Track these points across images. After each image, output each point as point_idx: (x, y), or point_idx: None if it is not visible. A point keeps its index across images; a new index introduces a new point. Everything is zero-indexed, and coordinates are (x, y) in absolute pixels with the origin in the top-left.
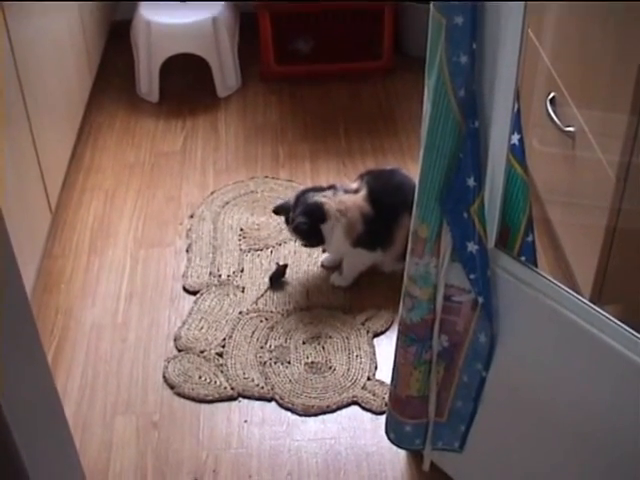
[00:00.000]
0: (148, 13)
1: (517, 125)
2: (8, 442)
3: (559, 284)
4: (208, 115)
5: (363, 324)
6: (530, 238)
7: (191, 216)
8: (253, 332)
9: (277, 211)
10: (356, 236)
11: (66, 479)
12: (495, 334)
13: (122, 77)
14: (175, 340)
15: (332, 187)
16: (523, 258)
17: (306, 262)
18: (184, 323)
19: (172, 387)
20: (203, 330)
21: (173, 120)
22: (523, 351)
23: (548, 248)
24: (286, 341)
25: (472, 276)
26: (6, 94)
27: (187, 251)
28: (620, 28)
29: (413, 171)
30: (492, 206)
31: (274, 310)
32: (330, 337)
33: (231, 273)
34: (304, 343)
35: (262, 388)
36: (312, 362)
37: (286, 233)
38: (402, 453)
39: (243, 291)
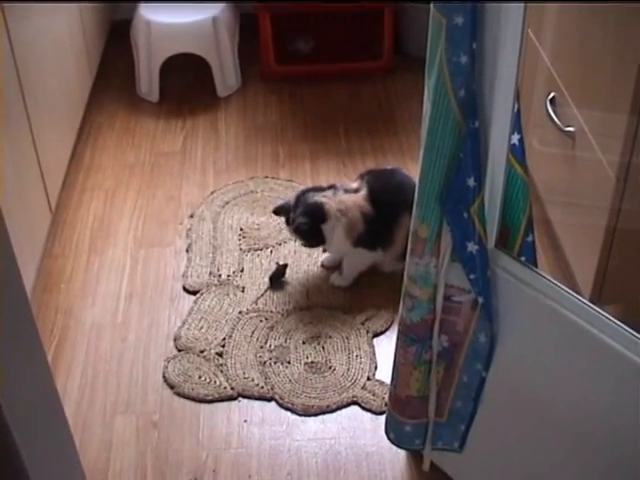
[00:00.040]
0: (148, 13)
1: (517, 125)
2: (8, 442)
3: (559, 284)
4: (208, 115)
5: (363, 324)
6: (530, 238)
7: (191, 216)
8: (253, 332)
9: (277, 212)
10: (357, 235)
11: (66, 479)
12: (495, 334)
13: (122, 77)
14: (175, 340)
15: (332, 187)
16: (523, 258)
17: (306, 262)
18: (184, 323)
19: (172, 387)
20: (203, 330)
21: (173, 120)
22: (523, 351)
23: (548, 248)
24: (286, 341)
25: (472, 276)
26: (6, 94)
27: (187, 251)
28: (620, 28)
29: (413, 171)
30: (492, 206)
31: (274, 310)
32: (330, 337)
33: (231, 273)
34: (304, 343)
35: (262, 388)
36: (312, 362)
37: (286, 233)
38: (402, 453)
39: (243, 291)
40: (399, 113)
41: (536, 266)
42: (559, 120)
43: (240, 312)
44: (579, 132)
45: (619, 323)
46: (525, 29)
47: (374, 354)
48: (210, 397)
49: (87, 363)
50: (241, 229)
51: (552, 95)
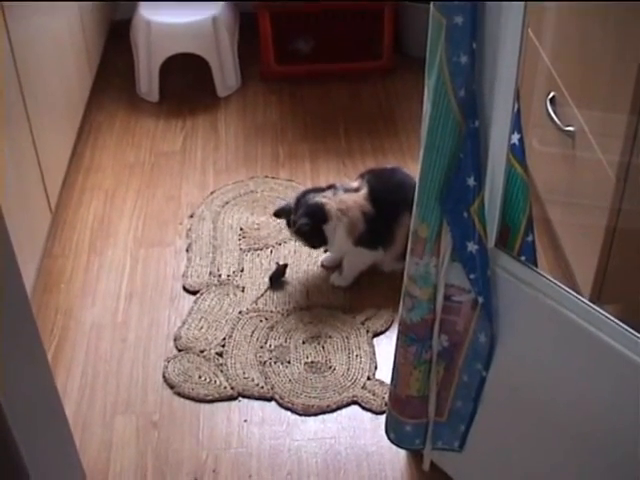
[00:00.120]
0: (148, 13)
1: (517, 125)
2: (8, 441)
3: (559, 284)
4: (208, 115)
5: (363, 324)
6: (530, 238)
7: (191, 216)
8: (253, 332)
9: (278, 214)
10: (358, 235)
11: (66, 478)
12: (495, 334)
13: (122, 77)
14: (175, 340)
15: (332, 187)
16: (523, 258)
17: (306, 262)
18: (184, 323)
19: (172, 387)
20: (203, 330)
21: (173, 120)
22: (523, 351)
23: (548, 248)
24: (286, 341)
25: (472, 276)
26: (6, 94)
27: (187, 251)
28: (620, 28)
29: (413, 171)
30: (492, 206)
31: (274, 310)
32: (330, 337)
33: (231, 273)
34: (304, 343)
35: (262, 388)
36: (312, 362)
37: (286, 233)
38: (402, 453)
39: (243, 291)
40: (399, 113)
41: (536, 266)
42: (559, 120)
43: (240, 312)
44: (579, 132)
45: (619, 323)
46: (525, 29)
47: (374, 354)
48: (210, 397)
49: (87, 363)
50: (241, 229)
51: (552, 95)
